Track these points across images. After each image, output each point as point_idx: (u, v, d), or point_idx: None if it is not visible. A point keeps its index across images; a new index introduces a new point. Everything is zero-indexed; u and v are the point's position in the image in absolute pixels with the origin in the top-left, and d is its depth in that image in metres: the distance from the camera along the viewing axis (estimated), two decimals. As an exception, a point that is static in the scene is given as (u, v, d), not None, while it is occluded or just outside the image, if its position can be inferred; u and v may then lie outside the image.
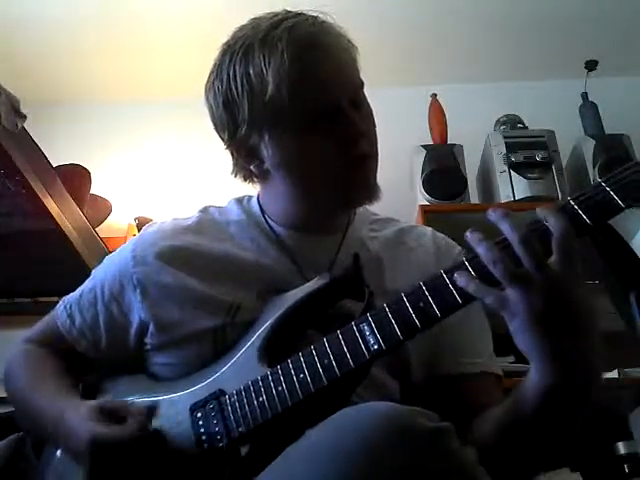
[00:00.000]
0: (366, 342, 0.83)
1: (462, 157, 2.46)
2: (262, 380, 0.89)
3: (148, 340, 1.03)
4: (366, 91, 1.04)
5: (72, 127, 2.86)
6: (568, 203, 0.77)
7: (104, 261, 1.13)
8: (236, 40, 1.01)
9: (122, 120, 2.88)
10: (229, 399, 0.91)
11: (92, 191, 2.57)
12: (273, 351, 0.93)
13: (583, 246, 0.77)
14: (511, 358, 1.89)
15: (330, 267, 1.03)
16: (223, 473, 0.87)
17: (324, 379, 0.84)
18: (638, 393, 2.04)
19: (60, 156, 2.29)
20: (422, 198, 2.39)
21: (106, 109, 2.89)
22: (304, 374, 0.85)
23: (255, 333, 0.95)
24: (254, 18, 1.03)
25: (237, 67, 0.98)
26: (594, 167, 2.40)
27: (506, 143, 2.45)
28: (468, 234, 0.78)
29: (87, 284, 1.11)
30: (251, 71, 0.97)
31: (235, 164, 1.07)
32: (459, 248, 1.13)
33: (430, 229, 1.18)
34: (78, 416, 0.92)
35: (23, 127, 1.76)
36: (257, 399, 0.88)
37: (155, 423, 0.94)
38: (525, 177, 2.39)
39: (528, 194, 2.36)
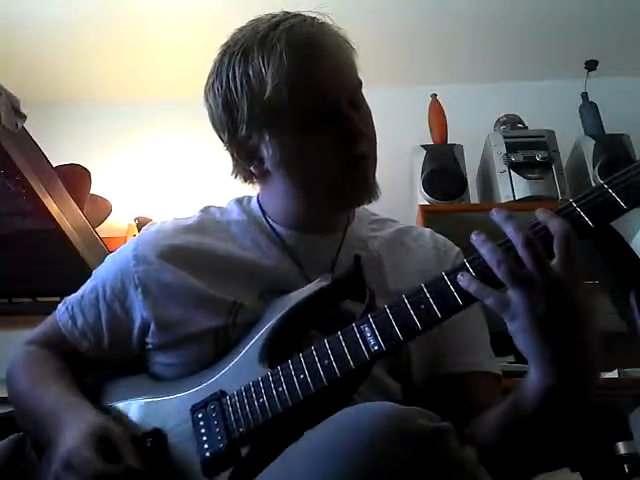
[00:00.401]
0: (367, 343, 0.83)
1: (462, 157, 2.46)
2: (263, 381, 0.88)
3: (149, 339, 1.03)
4: (366, 91, 1.05)
5: (72, 127, 2.86)
6: (570, 205, 0.78)
7: (105, 261, 1.13)
8: (235, 41, 1.01)
9: (122, 120, 2.88)
10: (230, 400, 0.91)
11: (92, 191, 2.57)
12: (274, 352, 0.93)
13: (583, 246, 0.78)
14: (511, 358, 1.89)
15: (332, 267, 1.03)
16: (223, 474, 0.87)
17: (324, 380, 0.84)
18: (638, 393, 2.04)
19: (60, 156, 2.29)
20: (422, 198, 2.39)
21: (106, 109, 2.90)
22: (304, 375, 0.85)
23: (256, 334, 0.95)
24: (253, 20, 1.04)
25: (236, 68, 0.99)
26: (594, 167, 2.40)
27: (506, 143, 2.45)
28: (473, 236, 0.79)
29: (88, 284, 1.10)
30: (250, 72, 0.97)
31: (235, 165, 1.08)
32: (458, 249, 1.14)
33: (429, 230, 1.18)
34: (74, 433, 0.90)
35: (23, 127, 1.76)
36: (258, 400, 0.88)
37: (156, 424, 0.94)
38: (525, 177, 2.38)
39: (528, 194, 2.36)
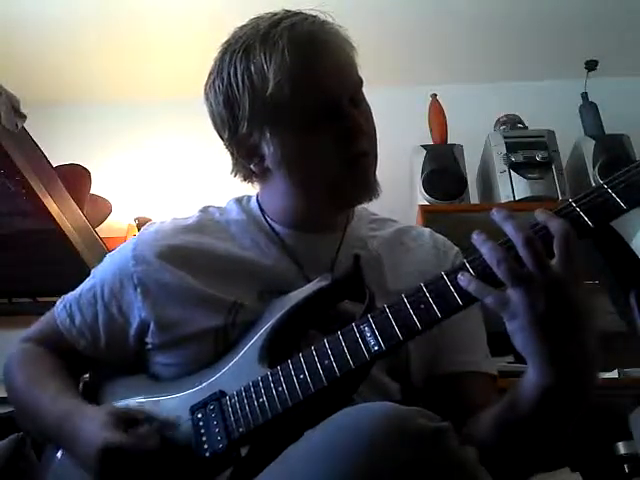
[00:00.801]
0: (366, 343, 0.83)
1: (462, 157, 2.46)
2: (262, 381, 0.88)
3: (149, 340, 1.02)
4: (366, 91, 1.05)
5: (72, 127, 2.86)
6: (569, 205, 0.78)
7: (104, 260, 1.13)
8: (236, 39, 1.01)
9: (122, 120, 2.89)
10: (229, 400, 0.90)
11: (92, 191, 2.57)
12: (274, 352, 0.93)
13: (583, 246, 0.78)
14: (510, 358, 1.89)
15: (331, 266, 1.03)
16: (223, 474, 0.87)
17: (324, 380, 0.84)
18: (638, 393, 2.04)
19: (60, 156, 2.29)
20: (422, 198, 2.39)
21: (106, 109, 2.90)
22: (304, 374, 0.85)
23: (256, 334, 0.95)
24: (254, 18, 1.04)
25: (238, 65, 0.99)
26: (594, 167, 2.40)
27: (506, 143, 2.45)
28: (474, 235, 0.79)
29: (87, 283, 1.10)
30: (252, 68, 0.97)
31: (235, 163, 1.08)
32: (457, 249, 1.14)
33: (428, 230, 1.18)
34: (91, 422, 0.91)
35: (23, 127, 1.76)
36: (257, 400, 0.88)
37: (155, 424, 0.94)
38: (525, 177, 2.38)
39: (528, 194, 2.36)
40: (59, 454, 1.00)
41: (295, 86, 0.96)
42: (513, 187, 2.38)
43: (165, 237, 1.06)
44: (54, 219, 2.02)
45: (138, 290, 1.02)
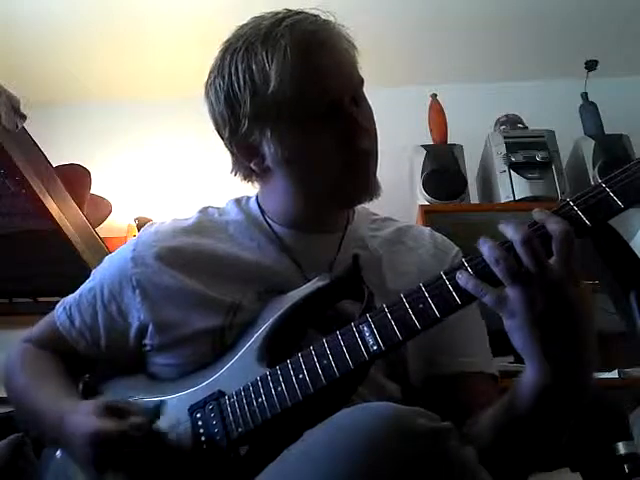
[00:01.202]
0: (365, 343, 0.83)
1: (462, 157, 2.46)
2: (261, 381, 0.88)
3: (148, 341, 1.02)
4: (366, 91, 1.05)
5: (72, 127, 2.86)
6: (567, 204, 0.78)
7: (103, 262, 1.13)
8: (238, 38, 1.01)
9: (122, 120, 2.89)
10: (228, 400, 0.90)
11: (92, 191, 2.57)
12: (273, 352, 0.93)
13: (583, 247, 0.78)
14: (510, 358, 1.89)
15: (330, 266, 1.03)
16: (222, 474, 0.87)
17: (323, 380, 0.84)
18: (638, 393, 2.04)
19: (60, 156, 2.29)
20: (422, 198, 2.39)
21: (106, 109, 2.90)
22: (303, 374, 0.85)
23: (255, 334, 0.95)
24: (255, 17, 1.03)
25: (239, 63, 0.98)
26: (594, 167, 2.40)
27: (506, 143, 2.45)
28: (480, 240, 0.79)
29: (86, 285, 1.10)
30: (254, 67, 0.97)
31: (235, 162, 1.07)
32: (457, 248, 1.14)
33: (428, 229, 1.18)
34: (80, 414, 0.92)
35: (23, 127, 1.76)
36: (256, 400, 0.88)
37: (154, 424, 0.94)
38: (525, 177, 2.39)
39: (528, 194, 2.36)
40: (58, 453, 1.00)
41: (297, 85, 0.96)
42: (513, 187, 2.38)
43: (164, 238, 1.06)
44: (54, 219, 2.02)
45: (137, 292, 1.02)
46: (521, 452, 0.88)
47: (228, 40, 1.03)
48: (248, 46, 0.98)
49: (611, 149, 2.42)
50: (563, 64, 2.78)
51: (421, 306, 0.81)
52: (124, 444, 0.87)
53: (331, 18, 1.03)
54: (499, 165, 2.43)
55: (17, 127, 1.70)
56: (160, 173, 2.77)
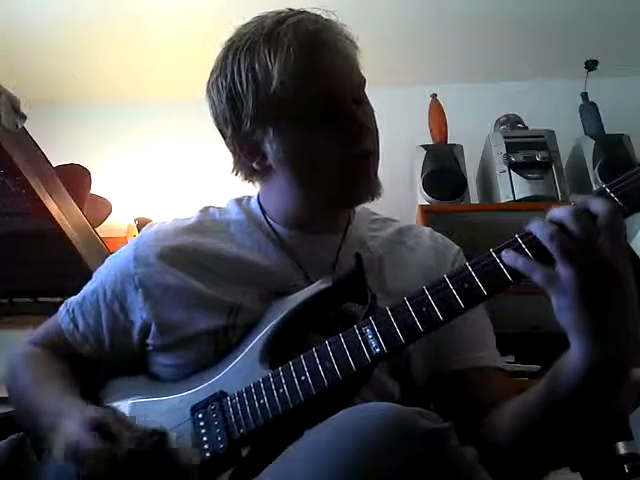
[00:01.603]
0: (368, 345, 0.83)
1: (462, 157, 2.46)
2: (263, 382, 0.89)
3: (150, 341, 1.02)
4: (366, 90, 1.05)
5: (72, 127, 2.86)
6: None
7: (106, 262, 1.13)
8: (240, 37, 1.01)
9: (122, 120, 2.89)
10: (230, 401, 0.91)
11: (92, 191, 2.57)
12: (275, 353, 0.93)
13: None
14: (511, 358, 1.89)
15: (332, 267, 1.03)
16: (224, 474, 0.87)
17: (325, 381, 0.84)
18: (638, 393, 2.04)
19: (60, 156, 2.29)
20: (422, 198, 2.40)
21: (106, 109, 2.90)
22: (305, 376, 0.85)
23: (257, 335, 0.95)
24: (258, 16, 1.03)
25: (242, 62, 0.98)
26: (594, 167, 2.40)
27: (506, 143, 2.45)
28: (530, 223, 0.78)
29: (89, 286, 1.10)
30: (256, 66, 0.97)
31: (236, 161, 1.07)
32: (458, 248, 1.14)
33: (428, 229, 1.18)
34: (74, 420, 0.90)
35: (23, 127, 1.76)
36: (258, 401, 0.88)
37: (156, 424, 0.94)
38: (525, 177, 2.39)
39: (528, 194, 2.36)
40: (57, 454, 1.00)
41: (299, 84, 0.96)
42: (513, 187, 2.38)
43: (166, 238, 1.06)
44: (54, 219, 2.02)
45: (139, 292, 1.02)
46: (553, 444, 0.86)
47: (231, 39, 1.03)
48: (251, 45, 0.98)
49: (611, 149, 2.42)
50: (563, 64, 2.78)
51: (424, 309, 0.81)
52: (101, 463, 0.84)
53: (333, 17, 1.04)
54: (499, 165, 2.43)
55: (17, 127, 1.70)
56: (160, 173, 2.77)
